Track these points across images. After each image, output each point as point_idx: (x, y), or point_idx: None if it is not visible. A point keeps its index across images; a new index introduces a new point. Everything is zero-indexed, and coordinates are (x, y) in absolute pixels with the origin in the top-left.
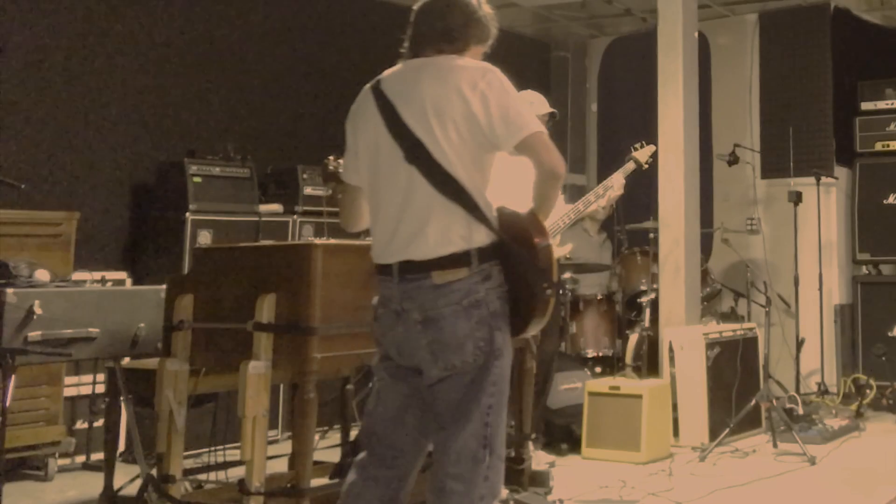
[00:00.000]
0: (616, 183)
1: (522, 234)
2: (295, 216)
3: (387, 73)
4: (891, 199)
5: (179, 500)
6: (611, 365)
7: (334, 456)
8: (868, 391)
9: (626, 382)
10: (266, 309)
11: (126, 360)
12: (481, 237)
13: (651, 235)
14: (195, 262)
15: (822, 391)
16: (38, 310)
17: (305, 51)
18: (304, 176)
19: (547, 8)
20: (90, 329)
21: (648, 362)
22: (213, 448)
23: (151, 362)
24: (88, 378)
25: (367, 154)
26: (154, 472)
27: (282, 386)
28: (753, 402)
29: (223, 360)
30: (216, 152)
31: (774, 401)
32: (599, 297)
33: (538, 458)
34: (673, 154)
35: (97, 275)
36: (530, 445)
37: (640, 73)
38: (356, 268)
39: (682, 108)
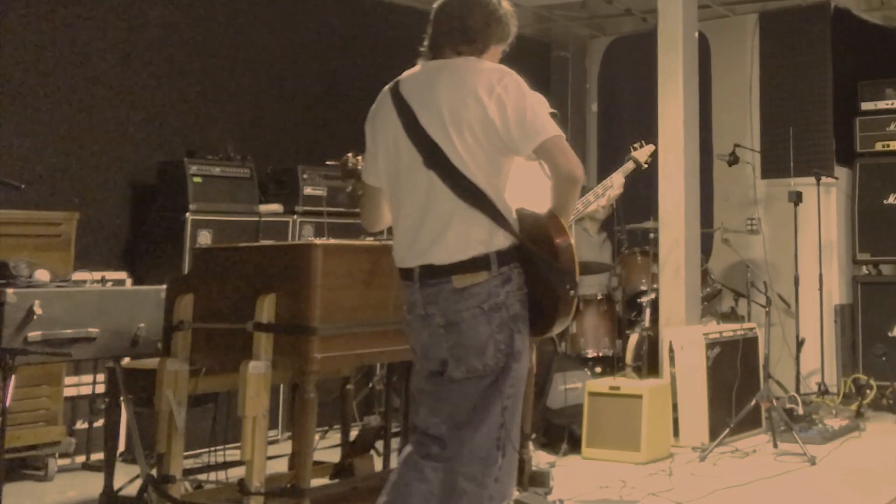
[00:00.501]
0: (616, 182)
1: (543, 235)
2: (295, 216)
3: (405, 74)
4: (891, 199)
5: (179, 501)
6: (611, 365)
7: (334, 456)
8: (868, 391)
9: (627, 382)
10: (266, 309)
11: (126, 360)
12: (501, 240)
13: (651, 235)
14: (195, 262)
15: (823, 391)
16: (38, 310)
17: (306, 51)
18: (304, 176)
19: (547, 8)
20: (90, 329)
21: (648, 362)
22: (213, 448)
23: (151, 362)
24: (88, 378)
25: (386, 156)
26: (154, 472)
27: (282, 386)
28: (753, 402)
29: (223, 360)
30: (216, 152)
31: (774, 401)
32: (599, 297)
33: (538, 458)
34: (673, 154)
35: (97, 275)
36: (530, 445)
37: (640, 73)
38: (356, 268)
39: (682, 108)
